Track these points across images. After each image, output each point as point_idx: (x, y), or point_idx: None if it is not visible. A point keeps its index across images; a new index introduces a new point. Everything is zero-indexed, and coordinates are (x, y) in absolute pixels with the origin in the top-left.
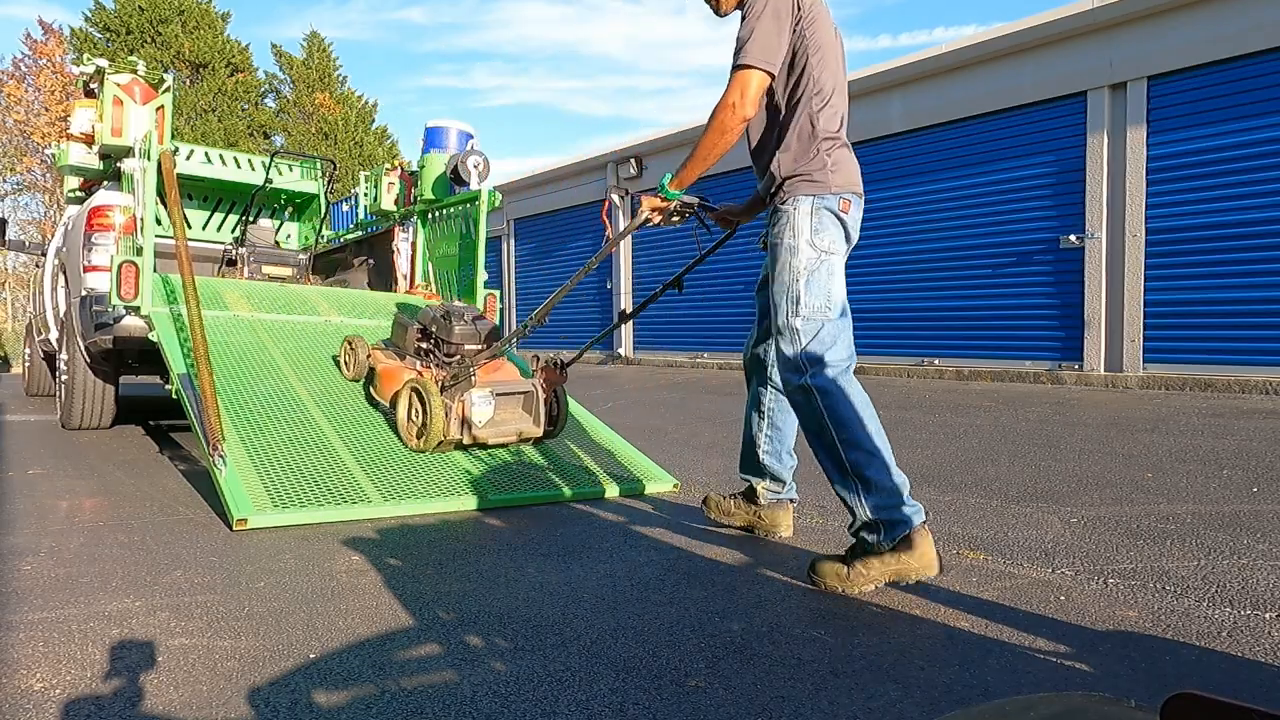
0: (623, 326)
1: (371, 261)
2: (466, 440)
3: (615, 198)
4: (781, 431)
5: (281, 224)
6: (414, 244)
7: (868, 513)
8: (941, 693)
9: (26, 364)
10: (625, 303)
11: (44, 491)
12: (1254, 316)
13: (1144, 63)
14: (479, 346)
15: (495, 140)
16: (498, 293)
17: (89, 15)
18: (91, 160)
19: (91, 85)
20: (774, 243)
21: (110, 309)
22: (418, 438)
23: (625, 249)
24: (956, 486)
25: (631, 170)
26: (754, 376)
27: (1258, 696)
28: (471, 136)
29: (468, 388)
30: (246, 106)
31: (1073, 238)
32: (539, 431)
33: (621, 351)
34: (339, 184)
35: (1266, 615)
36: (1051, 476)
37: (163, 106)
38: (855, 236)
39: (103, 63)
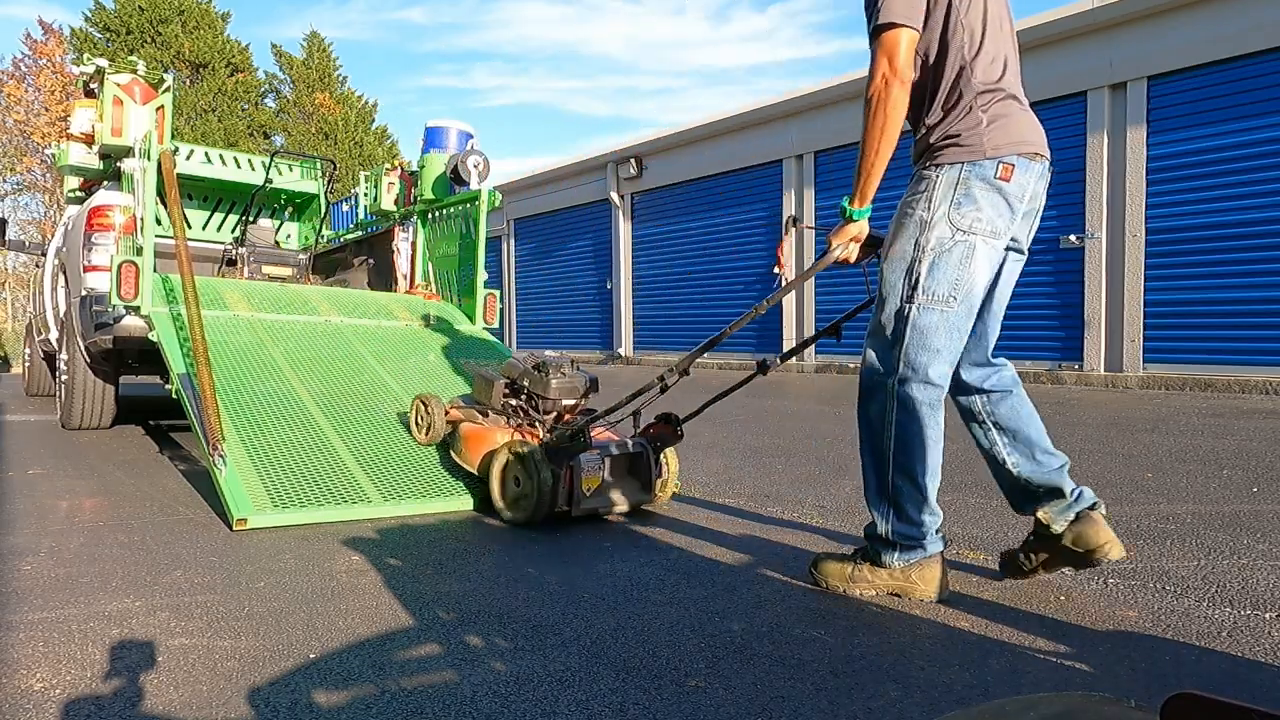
0: (623, 327)
1: (371, 261)
2: (576, 512)
3: (790, 223)
4: (1017, 429)
5: (281, 224)
6: (414, 244)
7: (889, 533)
8: (941, 693)
9: (26, 364)
10: (625, 302)
11: (44, 491)
12: (1254, 316)
13: (1144, 63)
14: (576, 401)
15: (495, 140)
16: (498, 293)
17: (89, 15)
18: (91, 160)
19: (91, 85)
20: (902, 212)
21: (110, 309)
22: (518, 510)
23: (625, 250)
24: (956, 486)
25: (631, 170)
26: (954, 396)
27: (1258, 696)
28: (471, 136)
29: (575, 450)
30: (246, 106)
31: (1073, 238)
32: (651, 499)
33: (621, 351)
34: (339, 184)
35: (1266, 615)
36: None
37: (163, 106)
38: (1024, 208)
39: (103, 63)
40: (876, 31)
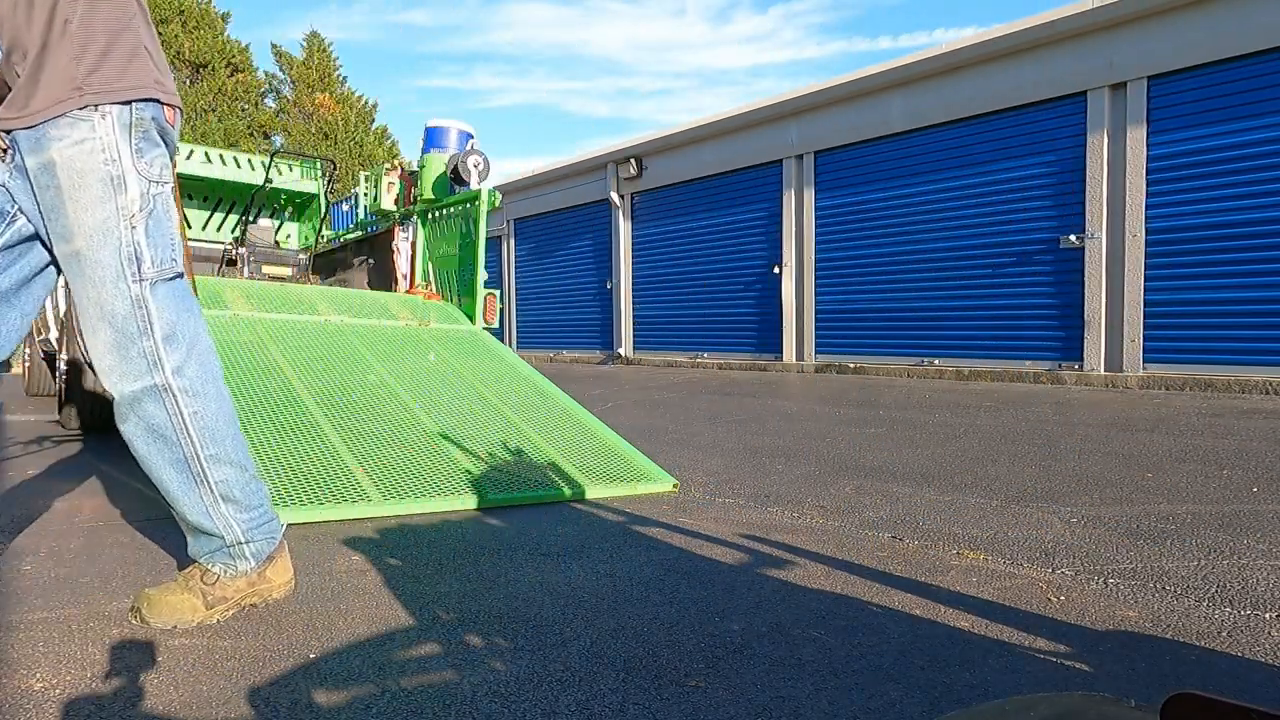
0: (623, 327)
1: (371, 261)
2: None
3: None
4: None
5: (281, 224)
6: (414, 244)
7: (245, 534)
8: (941, 693)
9: (26, 364)
10: (625, 302)
11: (43, 492)
12: (1254, 316)
13: (1144, 63)
14: None
15: (495, 140)
16: (498, 293)
17: None
18: None
19: None
20: (56, 178)
21: None
22: None
23: (625, 250)
24: (956, 486)
25: (631, 170)
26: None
27: (1258, 696)
28: (471, 136)
29: None
30: (246, 106)
31: (1073, 238)
32: None
33: (621, 351)
34: (339, 184)
35: (1266, 615)
36: (1051, 476)
37: None
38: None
39: None
40: None
